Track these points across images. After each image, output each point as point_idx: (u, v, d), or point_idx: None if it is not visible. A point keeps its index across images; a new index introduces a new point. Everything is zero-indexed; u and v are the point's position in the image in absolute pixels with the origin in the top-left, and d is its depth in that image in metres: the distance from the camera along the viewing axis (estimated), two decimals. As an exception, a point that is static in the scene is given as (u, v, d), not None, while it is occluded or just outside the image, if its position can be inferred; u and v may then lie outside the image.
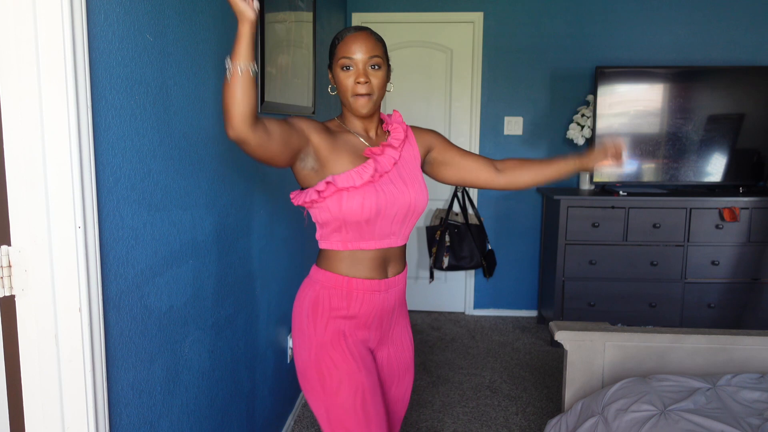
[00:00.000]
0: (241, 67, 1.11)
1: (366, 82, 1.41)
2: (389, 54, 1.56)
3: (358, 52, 1.41)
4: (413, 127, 1.64)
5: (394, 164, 1.49)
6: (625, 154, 1.36)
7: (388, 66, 1.48)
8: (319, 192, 1.39)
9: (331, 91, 1.50)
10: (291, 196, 1.46)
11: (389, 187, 1.44)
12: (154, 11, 1.36)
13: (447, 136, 3.93)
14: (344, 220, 1.41)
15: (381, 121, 1.58)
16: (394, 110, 1.60)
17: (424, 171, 1.64)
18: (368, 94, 1.43)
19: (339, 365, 1.44)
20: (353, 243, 1.45)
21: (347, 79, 1.42)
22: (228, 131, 1.15)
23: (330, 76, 1.48)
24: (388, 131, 1.56)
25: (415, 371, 1.68)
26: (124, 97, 1.24)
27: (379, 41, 1.45)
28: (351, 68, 1.41)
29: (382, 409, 1.47)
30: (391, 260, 1.52)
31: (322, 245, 1.49)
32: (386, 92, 1.50)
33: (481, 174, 1.65)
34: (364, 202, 1.38)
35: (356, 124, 1.50)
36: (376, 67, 1.43)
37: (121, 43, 1.23)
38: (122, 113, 1.24)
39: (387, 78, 1.47)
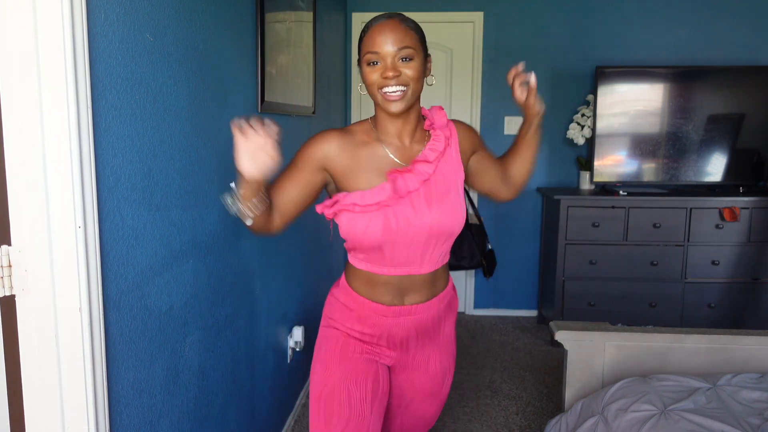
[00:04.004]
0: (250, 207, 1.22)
1: (396, 76, 1.23)
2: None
3: (385, 45, 1.22)
4: (457, 124, 1.42)
5: (425, 182, 1.30)
6: (531, 78, 1.35)
7: (425, 56, 1.29)
8: (327, 206, 1.31)
9: (361, 90, 1.33)
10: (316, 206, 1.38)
11: (406, 210, 1.28)
12: (154, 11, 1.36)
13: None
14: (351, 241, 1.32)
15: (423, 118, 1.38)
16: (439, 106, 1.39)
17: None
18: (401, 88, 1.24)
19: (326, 349, 1.42)
20: (367, 264, 1.36)
21: (372, 75, 1.24)
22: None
23: (361, 73, 1.30)
24: (429, 133, 1.36)
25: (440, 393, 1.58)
26: (124, 97, 1.24)
27: (412, 29, 1.26)
28: (378, 63, 1.24)
29: (352, 411, 1.35)
30: (411, 289, 1.37)
31: (348, 257, 1.43)
32: (427, 86, 1.32)
33: (501, 189, 1.52)
34: (368, 226, 1.26)
35: (389, 128, 1.32)
36: (408, 59, 1.24)
37: (121, 43, 1.23)
38: (122, 113, 1.24)
39: (424, 70, 1.28)
